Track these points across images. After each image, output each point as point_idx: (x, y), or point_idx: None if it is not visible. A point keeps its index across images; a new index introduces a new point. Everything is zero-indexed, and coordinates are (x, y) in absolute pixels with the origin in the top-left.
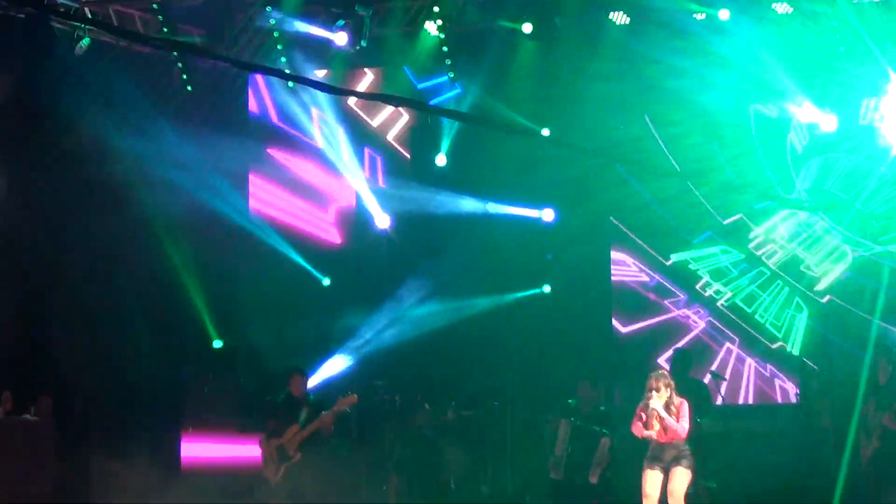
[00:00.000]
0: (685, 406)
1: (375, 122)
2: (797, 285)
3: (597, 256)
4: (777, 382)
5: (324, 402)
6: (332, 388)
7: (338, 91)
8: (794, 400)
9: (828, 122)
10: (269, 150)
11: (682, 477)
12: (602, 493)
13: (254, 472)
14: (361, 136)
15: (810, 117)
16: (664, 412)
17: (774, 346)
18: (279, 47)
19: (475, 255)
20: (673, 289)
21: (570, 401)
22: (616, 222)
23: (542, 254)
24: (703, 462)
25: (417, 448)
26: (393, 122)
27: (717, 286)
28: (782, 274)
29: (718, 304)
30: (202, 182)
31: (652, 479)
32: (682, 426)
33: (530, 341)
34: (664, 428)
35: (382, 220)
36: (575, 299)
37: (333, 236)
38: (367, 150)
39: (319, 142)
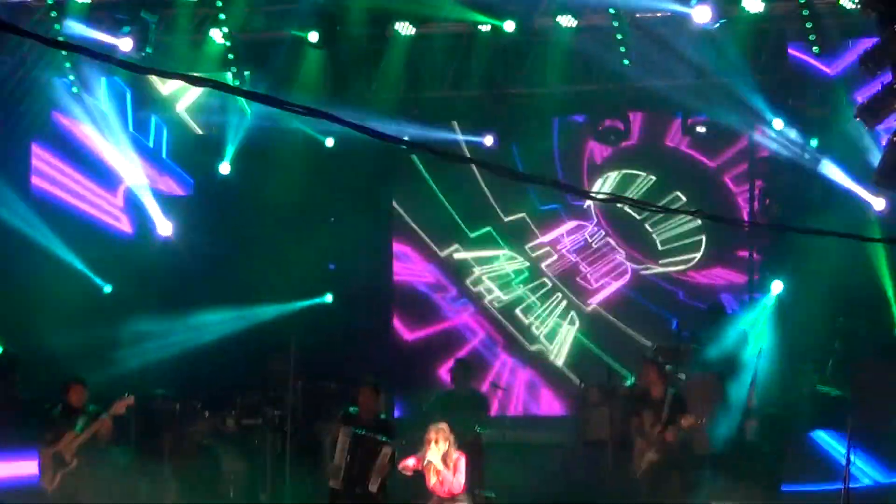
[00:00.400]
0: (462, 461)
1: (165, 91)
2: (573, 298)
3: (379, 266)
4: (553, 393)
5: (102, 409)
6: (112, 395)
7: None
8: (569, 412)
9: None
10: (53, 154)
11: None
12: (381, 502)
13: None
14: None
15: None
16: (441, 465)
17: (551, 357)
18: (64, 53)
19: (260, 263)
20: (451, 286)
21: (350, 409)
22: (399, 209)
23: (326, 262)
24: (481, 473)
25: (196, 456)
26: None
27: (497, 293)
28: (561, 285)
29: (493, 307)
30: None
31: None
32: (458, 481)
33: (313, 350)
34: (440, 481)
35: (164, 227)
36: (358, 307)
37: (123, 225)
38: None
39: (102, 145)
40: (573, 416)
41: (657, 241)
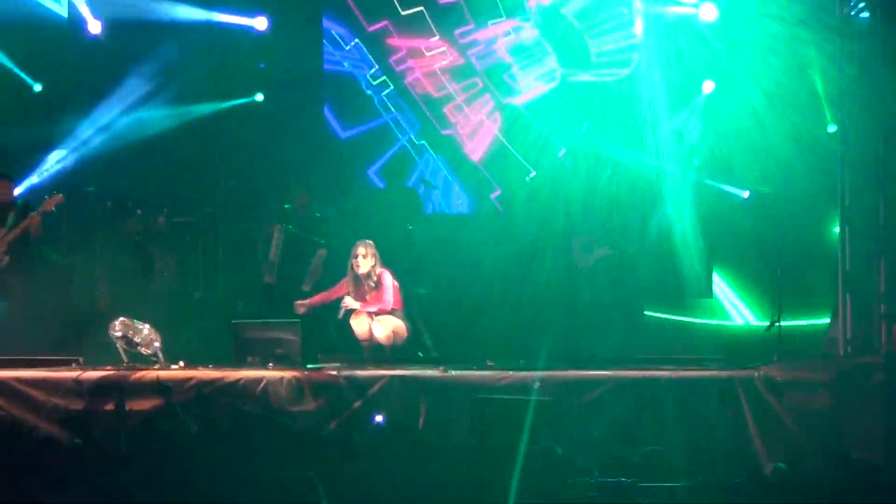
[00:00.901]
0: (387, 277)
1: None
2: (499, 96)
3: (310, 51)
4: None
5: (32, 205)
6: (43, 192)
7: None
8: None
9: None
10: None
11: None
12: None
13: None
14: None
15: None
16: (356, 304)
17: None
18: None
19: (192, 61)
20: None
21: (286, 206)
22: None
23: (256, 62)
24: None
25: (128, 254)
26: None
27: (428, 89)
28: (490, 83)
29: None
30: None
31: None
32: (387, 299)
33: (244, 149)
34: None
35: (94, 26)
36: (289, 105)
37: (46, 38)
38: None
39: None
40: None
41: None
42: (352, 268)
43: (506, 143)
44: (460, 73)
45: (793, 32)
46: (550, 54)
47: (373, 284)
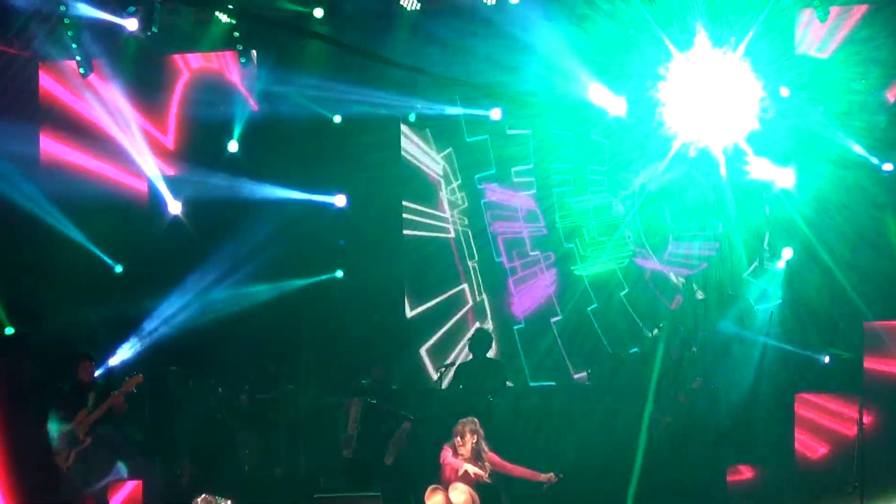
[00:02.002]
0: (494, 457)
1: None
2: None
3: (389, 238)
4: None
5: (113, 385)
6: (124, 372)
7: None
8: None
9: (617, 107)
10: (61, 134)
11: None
12: (396, 475)
13: None
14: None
15: (601, 101)
16: (473, 469)
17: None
18: (70, 33)
19: (269, 240)
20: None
21: (363, 381)
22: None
23: (335, 239)
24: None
25: (211, 432)
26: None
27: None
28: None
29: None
30: None
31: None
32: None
33: (324, 325)
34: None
35: (174, 206)
36: (367, 282)
37: (129, 220)
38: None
39: (110, 127)
40: (587, 384)
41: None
42: (456, 446)
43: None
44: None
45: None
46: (628, 237)
47: (481, 457)
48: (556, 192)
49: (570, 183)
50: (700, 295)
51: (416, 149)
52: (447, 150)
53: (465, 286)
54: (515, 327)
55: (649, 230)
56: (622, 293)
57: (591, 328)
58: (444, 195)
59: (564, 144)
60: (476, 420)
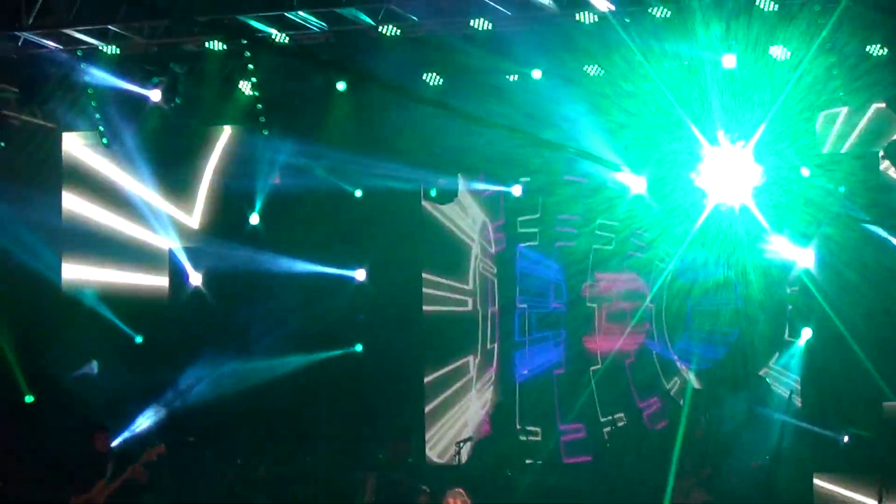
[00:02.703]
0: None
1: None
2: None
3: (408, 312)
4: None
5: (131, 455)
6: (143, 442)
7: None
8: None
9: (638, 185)
10: (84, 205)
11: None
12: None
13: None
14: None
15: (623, 181)
16: None
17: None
18: (93, 104)
19: (289, 313)
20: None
21: (379, 455)
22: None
23: (355, 313)
24: None
25: None
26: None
27: None
28: None
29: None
30: (14, 238)
31: None
32: None
33: (342, 398)
34: None
35: (195, 277)
36: (387, 355)
37: (148, 291)
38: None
39: (133, 196)
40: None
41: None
42: None
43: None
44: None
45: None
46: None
47: None
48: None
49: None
50: None
51: (452, 210)
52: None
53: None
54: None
55: (670, 308)
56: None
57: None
58: (474, 259)
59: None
60: (463, 492)
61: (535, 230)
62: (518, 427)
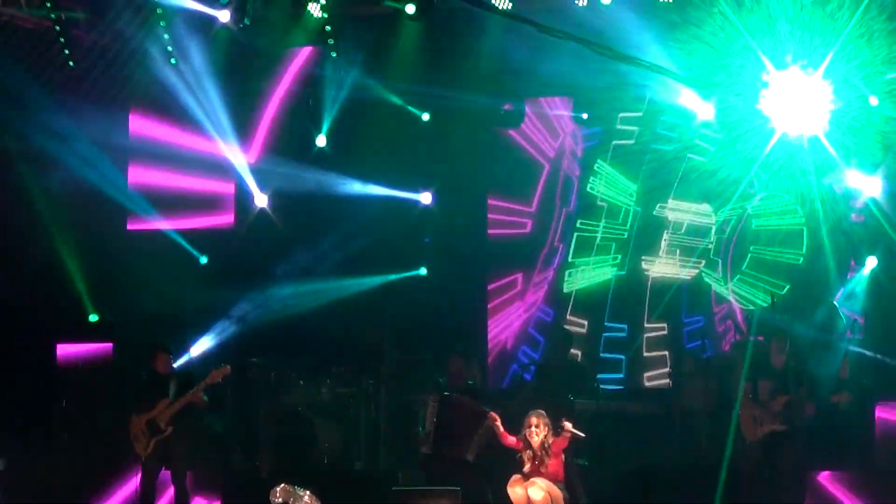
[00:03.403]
0: (560, 446)
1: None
2: None
3: (473, 235)
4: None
5: (194, 376)
6: (208, 363)
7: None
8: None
9: (706, 112)
10: (151, 125)
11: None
12: (475, 470)
13: None
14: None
15: (691, 105)
16: (540, 452)
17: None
18: (162, 24)
19: (353, 236)
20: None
21: (440, 379)
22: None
23: (420, 236)
24: (574, 442)
25: (291, 425)
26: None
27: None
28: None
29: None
30: (82, 156)
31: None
32: (555, 465)
33: (406, 322)
34: (536, 466)
35: (261, 199)
36: (451, 279)
37: (213, 213)
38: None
39: (200, 116)
40: (668, 387)
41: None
42: (525, 437)
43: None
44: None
45: None
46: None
47: (546, 453)
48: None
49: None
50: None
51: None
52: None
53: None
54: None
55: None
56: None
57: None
58: (544, 179)
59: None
60: (545, 413)
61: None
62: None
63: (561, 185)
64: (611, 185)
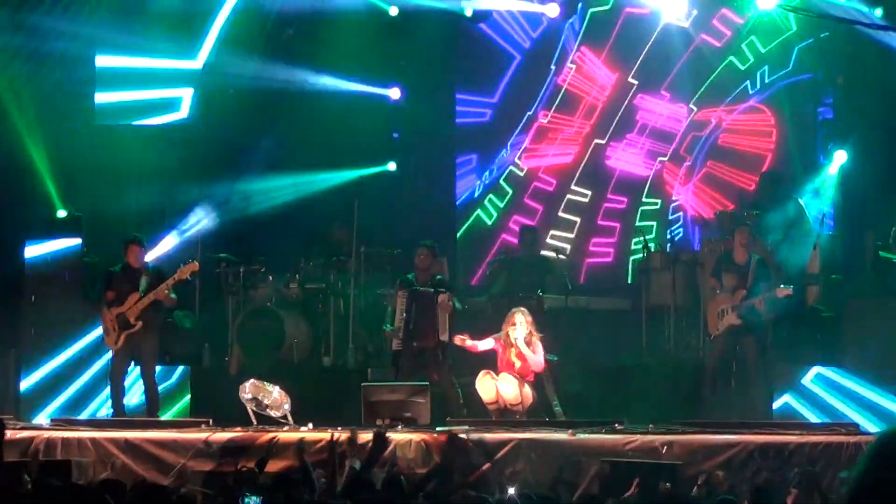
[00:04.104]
0: (539, 344)
1: None
2: None
3: (442, 130)
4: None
5: (164, 271)
6: (176, 259)
7: None
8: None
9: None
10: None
11: None
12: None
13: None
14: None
15: None
16: (525, 347)
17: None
18: None
19: (321, 131)
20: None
21: (408, 275)
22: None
23: (389, 131)
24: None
25: (259, 319)
26: None
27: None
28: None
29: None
30: (49, 51)
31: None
32: (539, 360)
33: (375, 218)
34: (522, 362)
35: (224, 93)
36: (420, 176)
37: (175, 107)
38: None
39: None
40: (636, 282)
41: None
42: (507, 334)
43: None
44: None
45: None
46: None
47: (532, 348)
48: None
49: None
50: None
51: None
52: None
53: None
54: None
55: None
56: None
57: None
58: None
59: None
60: (527, 310)
61: None
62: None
63: (533, 77)
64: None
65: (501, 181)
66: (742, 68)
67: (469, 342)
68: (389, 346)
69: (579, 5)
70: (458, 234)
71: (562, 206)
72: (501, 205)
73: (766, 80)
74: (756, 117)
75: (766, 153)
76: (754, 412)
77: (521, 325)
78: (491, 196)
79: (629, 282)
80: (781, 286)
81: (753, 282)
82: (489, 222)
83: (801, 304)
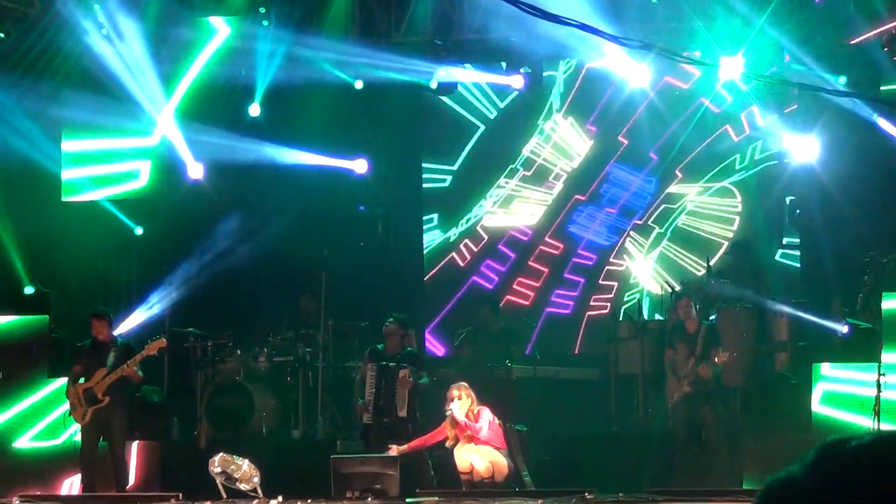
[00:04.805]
0: (485, 412)
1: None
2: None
3: (409, 208)
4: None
5: (132, 346)
6: (143, 334)
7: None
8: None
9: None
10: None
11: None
12: (411, 428)
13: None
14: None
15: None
16: (461, 416)
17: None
18: None
19: (288, 205)
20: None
21: (378, 346)
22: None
23: (355, 205)
24: (512, 407)
25: (228, 394)
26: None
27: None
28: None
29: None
30: (14, 128)
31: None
32: (482, 427)
33: (343, 289)
34: (463, 430)
35: (195, 170)
36: (388, 249)
37: (144, 182)
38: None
39: (132, 87)
40: (604, 351)
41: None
42: (449, 411)
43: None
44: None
45: None
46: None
47: (471, 418)
48: None
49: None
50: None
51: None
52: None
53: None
54: None
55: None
56: None
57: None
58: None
59: None
60: (466, 384)
61: None
62: None
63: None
64: (557, 148)
65: (478, 228)
66: (735, 140)
67: (400, 448)
68: (360, 419)
69: (544, 76)
70: (427, 277)
71: (533, 256)
72: (476, 249)
73: (756, 157)
74: (724, 202)
75: (723, 241)
76: (722, 480)
77: (458, 399)
78: (466, 241)
79: (580, 332)
80: (721, 350)
81: (703, 349)
82: (462, 264)
83: (770, 370)
